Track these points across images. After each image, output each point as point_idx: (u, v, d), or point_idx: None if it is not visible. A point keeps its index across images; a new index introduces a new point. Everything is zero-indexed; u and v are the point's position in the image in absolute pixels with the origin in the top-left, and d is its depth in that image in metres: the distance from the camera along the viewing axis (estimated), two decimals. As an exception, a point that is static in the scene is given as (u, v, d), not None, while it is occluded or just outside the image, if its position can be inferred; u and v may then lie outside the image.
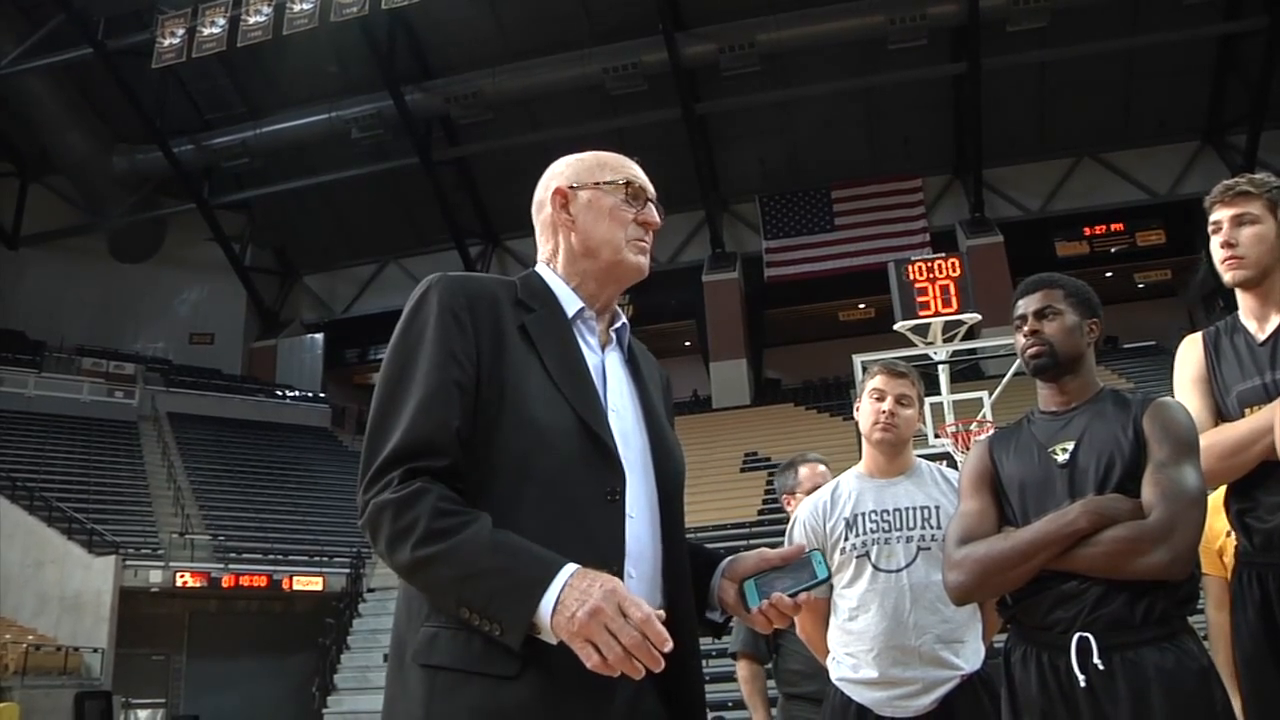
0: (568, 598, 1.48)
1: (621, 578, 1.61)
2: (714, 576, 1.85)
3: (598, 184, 1.90)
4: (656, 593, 1.72)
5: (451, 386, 1.66)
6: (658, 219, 1.93)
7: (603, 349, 1.87)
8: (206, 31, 26.73)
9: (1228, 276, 2.63)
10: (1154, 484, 2.19)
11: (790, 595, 1.70)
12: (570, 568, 1.51)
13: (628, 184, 1.90)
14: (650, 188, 1.94)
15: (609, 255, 1.86)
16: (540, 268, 1.92)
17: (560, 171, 1.95)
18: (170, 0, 27.46)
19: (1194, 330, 2.82)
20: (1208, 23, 26.51)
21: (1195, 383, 2.69)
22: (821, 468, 4.07)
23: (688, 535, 1.93)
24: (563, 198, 1.90)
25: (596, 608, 1.46)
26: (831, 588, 3.10)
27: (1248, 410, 2.52)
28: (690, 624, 1.79)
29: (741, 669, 4.29)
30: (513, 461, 1.64)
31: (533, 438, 1.65)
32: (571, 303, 1.84)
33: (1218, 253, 2.64)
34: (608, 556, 1.62)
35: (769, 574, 1.76)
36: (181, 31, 26.95)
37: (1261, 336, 2.58)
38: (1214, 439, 2.49)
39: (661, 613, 1.49)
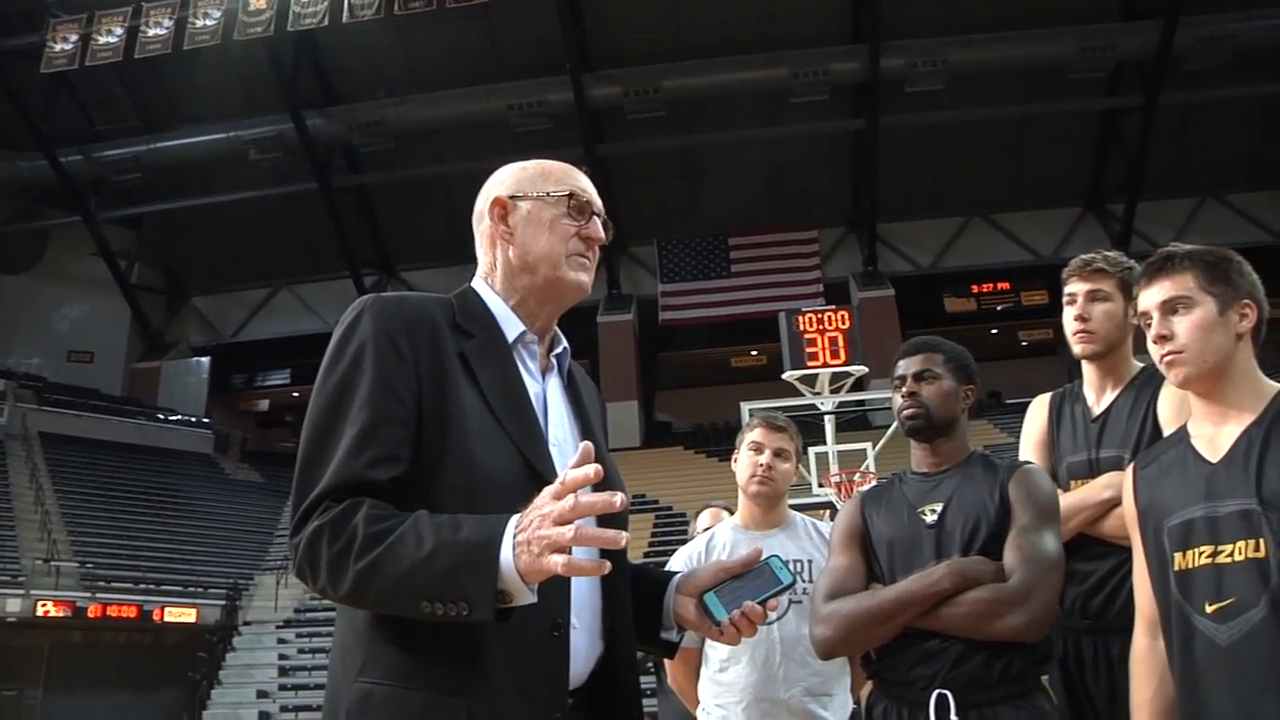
0: (520, 535, 1.39)
1: (567, 629, 1.56)
2: (666, 595, 1.78)
3: (540, 195, 1.78)
4: (596, 643, 1.66)
5: (389, 422, 1.54)
6: (603, 234, 1.82)
7: (543, 376, 1.79)
8: (102, 40, 25.92)
9: (1077, 349, 2.78)
10: (1015, 548, 2.27)
11: (760, 603, 1.64)
12: (514, 515, 1.42)
13: (571, 195, 1.79)
14: (597, 201, 1.83)
15: (547, 271, 1.75)
16: (478, 283, 1.82)
17: (501, 180, 1.84)
18: (64, 4, 26.63)
19: (1074, 388, 2.95)
20: (1091, 96, 27.79)
21: (1037, 447, 2.83)
22: (725, 513, 4.08)
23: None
24: (501, 208, 1.79)
25: (539, 517, 1.38)
26: (704, 638, 3.11)
27: (1074, 483, 2.67)
28: (632, 674, 1.73)
29: None
30: (456, 503, 1.51)
31: (477, 477, 1.55)
32: (512, 326, 1.75)
33: (1070, 324, 2.79)
34: (552, 607, 1.54)
35: (728, 584, 1.69)
36: (75, 37, 26.08)
37: (1096, 411, 2.73)
38: None
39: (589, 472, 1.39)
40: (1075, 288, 2.79)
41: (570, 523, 1.35)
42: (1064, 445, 2.77)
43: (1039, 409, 2.91)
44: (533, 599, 1.41)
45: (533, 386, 1.72)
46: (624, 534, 1.39)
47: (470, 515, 1.46)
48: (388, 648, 1.52)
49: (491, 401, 1.62)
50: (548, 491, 1.40)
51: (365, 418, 1.54)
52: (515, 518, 1.41)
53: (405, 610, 1.45)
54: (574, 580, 1.58)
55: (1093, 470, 2.65)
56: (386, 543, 1.42)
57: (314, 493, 1.50)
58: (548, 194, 1.78)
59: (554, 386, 1.80)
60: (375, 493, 1.50)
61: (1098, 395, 2.78)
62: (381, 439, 1.53)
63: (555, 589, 1.53)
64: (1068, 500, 2.60)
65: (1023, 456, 2.83)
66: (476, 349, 1.67)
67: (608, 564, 1.39)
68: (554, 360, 1.83)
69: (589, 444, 1.43)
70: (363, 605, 1.51)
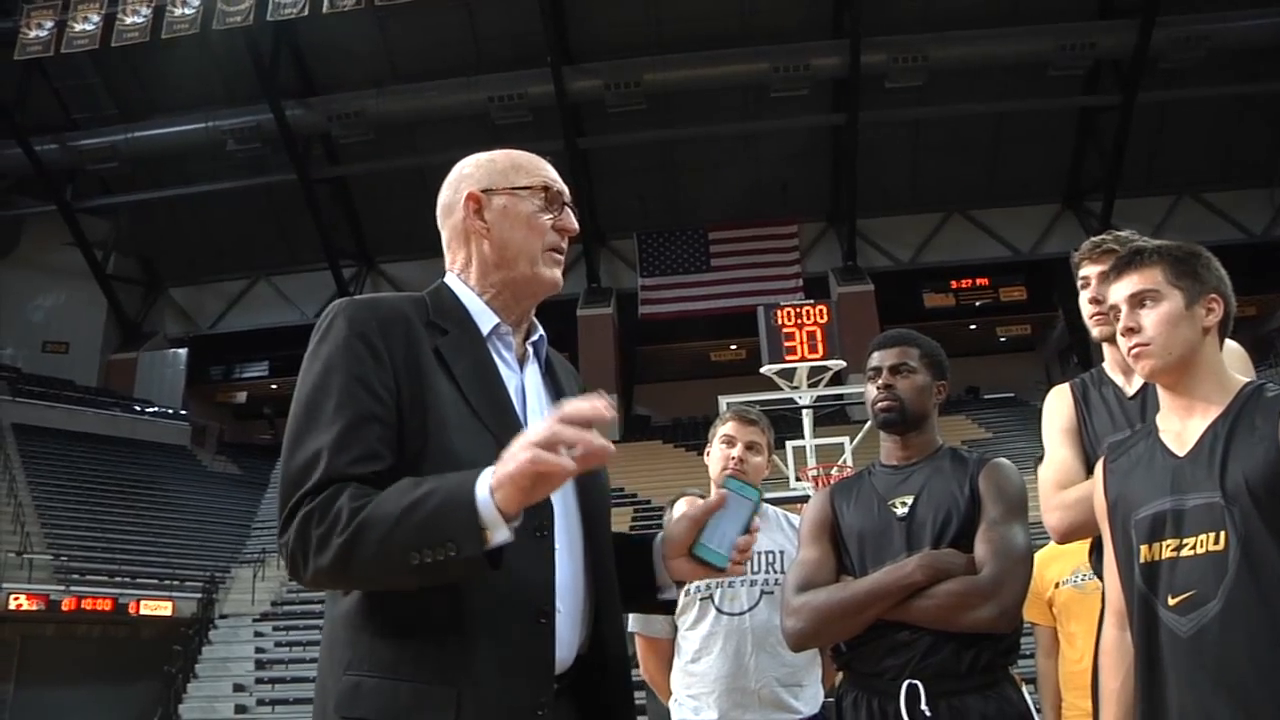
0: (500, 469, 1.40)
1: (551, 617, 1.57)
2: (655, 559, 1.80)
3: (513, 188, 1.78)
4: (580, 628, 1.66)
5: (369, 421, 1.55)
6: (575, 224, 1.82)
7: (521, 366, 1.79)
8: (78, 27, 25.67)
9: (1096, 331, 2.72)
10: (986, 541, 2.29)
11: (744, 534, 1.69)
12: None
13: (546, 188, 1.79)
14: (566, 190, 1.83)
15: (525, 267, 1.76)
16: (450, 279, 1.81)
17: (470, 174, 1.82)
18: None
19: (1050, 383, 2.90)
20: (1069, 94, 27.98)
21: (1066, 433, 2.71)
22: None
23: None
24: (476, 203, 1.77)
25: (526, 443, 1.38)
26: (675, 628, 3.12)
27: None
28: (620, 661, 1.73)
29: None
30: None
31: (454, 470, 1.51)
32: (486, 319, 1.74)
33: (1086, 308, 2.74)
34: (536, 595, 1.56)
35: (708, 529, 1.70)
36: (50, 24, 25.83)
37: (1130, 390, 2.65)
38: (1086, 492, 2.56)
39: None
40: (1088, 270, 2.74)
41: (555, 448, 1.37)
42: (1099, 427, 2.66)
43: (1060, 397, 2.79)
44: (509, 537, 1.41)
45: (510, 378, 1.73)
46: (608, 445, 1.42)
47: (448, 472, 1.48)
48: (374, 641, 1.53)
49: (468, 395, 1.63)
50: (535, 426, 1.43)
51: (346, 417, 1.54)
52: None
53: (393, 573, 1.45)
54: (558, 566, 1.61)
55: None
56: (366, 512, 1.43)
57: (299, 493, 1.50)
58: (521, 187, 1.78)
59: (532, 375, 1.80)
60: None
61: (1127, 376, 2.68)
62: (362, 437, 1.54)
63: (538, 576, 1.57)
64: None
65: (1048, 447, 2.75)
66: (451, 344, 1.67)
67: (570, 463, 1.38)
68: (531, 349, 1.83)
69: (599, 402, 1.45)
70: (350, 581, 1.51)
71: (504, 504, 1.38)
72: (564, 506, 1.68)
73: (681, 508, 3.23)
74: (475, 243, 1.78)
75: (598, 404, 1.42)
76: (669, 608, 1.89)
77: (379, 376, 1.58)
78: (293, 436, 1.57)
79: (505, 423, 1.63)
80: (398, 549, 1.41)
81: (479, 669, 1.49)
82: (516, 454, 1.38)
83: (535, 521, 1.55)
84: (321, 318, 1.67)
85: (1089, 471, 2.62)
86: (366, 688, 1.50)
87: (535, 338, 1.85)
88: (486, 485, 1.39)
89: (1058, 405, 2.79)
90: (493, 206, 1.77)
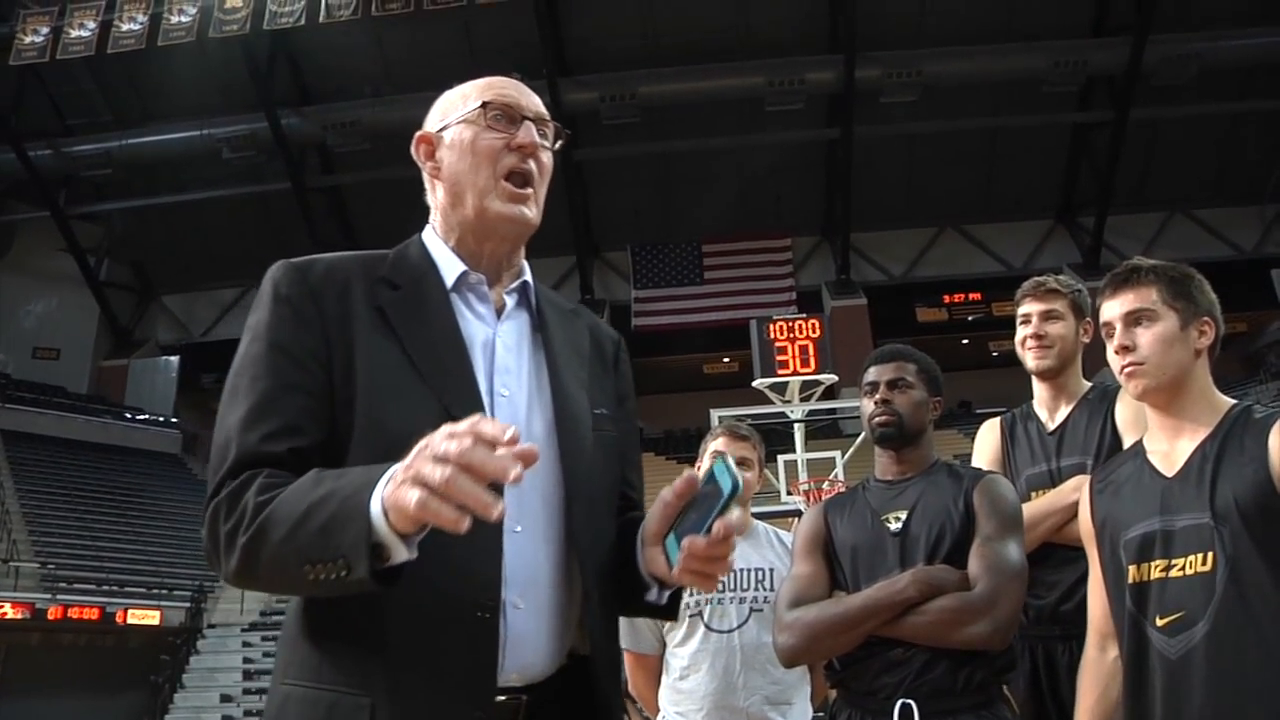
0: (388, 489, 1.18)
1: (496, 613, 1.36)
2: (638, 551, 1.51)
3: (460, 118, 1.61)
4: (558, 629, 1.45)
5: (288, 391, 1.40)
6: (534, 137, 1.60)
7: (499, 317, 1.58)
8: (74, 33, 25.57)
9: (1032, 364, 2.86)
10: (980, 557, 2.29)
11: (703, 533, 1.31)
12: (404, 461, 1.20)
13: (485, 105, 1.59)
14: (526, 104, 1.63)
15: (475, 202, 1.57)
16: (426, 231, 1.67)
17: (430, 115, 1.69)
18: (34, -5, 26.33)
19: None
20: (1062, 110, 28.07)
21: (990, 464, 2.89)
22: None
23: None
24: (427, 144, 1.65)
25: (422, 446, 1.15)
26: (664, 644, 3.11)
27: (1034, 494, 2.73)
28: (609, 669, 1.52)
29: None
30: None
31: (388, 442, 1.32)
32: (452, 268, 1.57)
33: (1025, 342, 2.88)
34: (479, 587, 1.35)
35: (682, 519, 1.39)
36: (46, 30, 25.70)
37: (1051, 426, 2.81)
38: None
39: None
40: (1029, 308, 2.89)
41: (450, 464, 1.12)
42: (1020, 461, 2.83)
43: (990, 431, 2.99)
44: (408, 555, 1.20)
45: (480, 332, 1.54)
46: (499, 505, 1.13)
47: (362, 466, 1.29)
48: (303, 645, 1.39)
49: (414, 355, 1.45)
50: (445, 427, 1.17)
51: (261, 389, 1.41)
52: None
53: (292, 583, 1.29)
54: (513, 548, 1.40)
55: (1054, 480, 2.71)
56: (269, 509, 1.27)
57: (216, 479, 1.37)
58: (466, 114, 1.61)
59: (511, 329, 1.59)
60: (275, 467, 1.36)
61: (1051, 412, 2.86)
62: (279, 410, 1.39)
63: (480, 564, 1.36)
64: (1037, 505, 2.64)
65: None
66: (400, 300, 1.51)
67: (466, 521, 1.12)
68: (509, 298, 1.62)
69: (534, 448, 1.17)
70: (256, 585, 1.36)
71: (397, 525, 1.18)
72: (540, 481, 1.46)
73: None
74: (434, 187, 1.66)
75: (501, 428, 1.14)
76: (663, 613, 1.57)
77: (304, 342, 1.44)
78: (220, 416, 1.45)
79: (453, 385, 1.44)
80: (293, 558, 1.24)
81: (398, 674, 1.32)
82: (402, 474, 1.16)
83: None
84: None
85: None
86: (294, 698, 1.37)
87: (519, 283, 1.64)
88: (380, 498, 1.19)
89: (986, 438, 2.98)
90: (443, 143, 1.63)
